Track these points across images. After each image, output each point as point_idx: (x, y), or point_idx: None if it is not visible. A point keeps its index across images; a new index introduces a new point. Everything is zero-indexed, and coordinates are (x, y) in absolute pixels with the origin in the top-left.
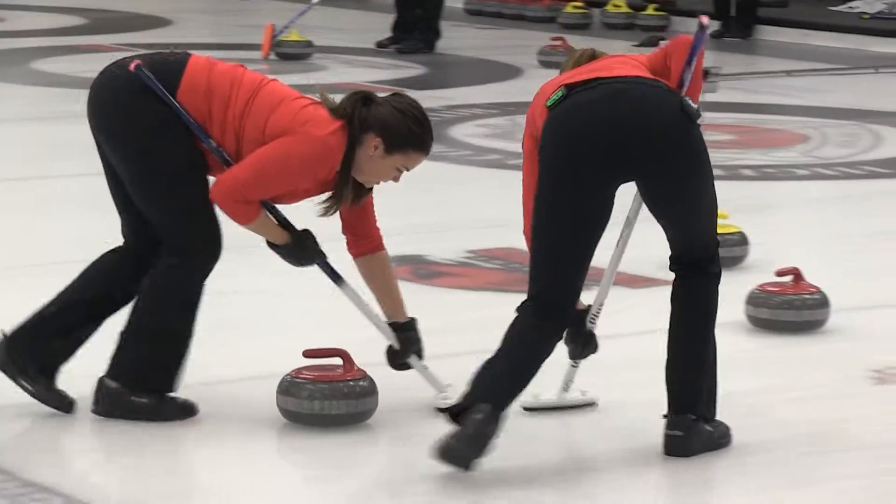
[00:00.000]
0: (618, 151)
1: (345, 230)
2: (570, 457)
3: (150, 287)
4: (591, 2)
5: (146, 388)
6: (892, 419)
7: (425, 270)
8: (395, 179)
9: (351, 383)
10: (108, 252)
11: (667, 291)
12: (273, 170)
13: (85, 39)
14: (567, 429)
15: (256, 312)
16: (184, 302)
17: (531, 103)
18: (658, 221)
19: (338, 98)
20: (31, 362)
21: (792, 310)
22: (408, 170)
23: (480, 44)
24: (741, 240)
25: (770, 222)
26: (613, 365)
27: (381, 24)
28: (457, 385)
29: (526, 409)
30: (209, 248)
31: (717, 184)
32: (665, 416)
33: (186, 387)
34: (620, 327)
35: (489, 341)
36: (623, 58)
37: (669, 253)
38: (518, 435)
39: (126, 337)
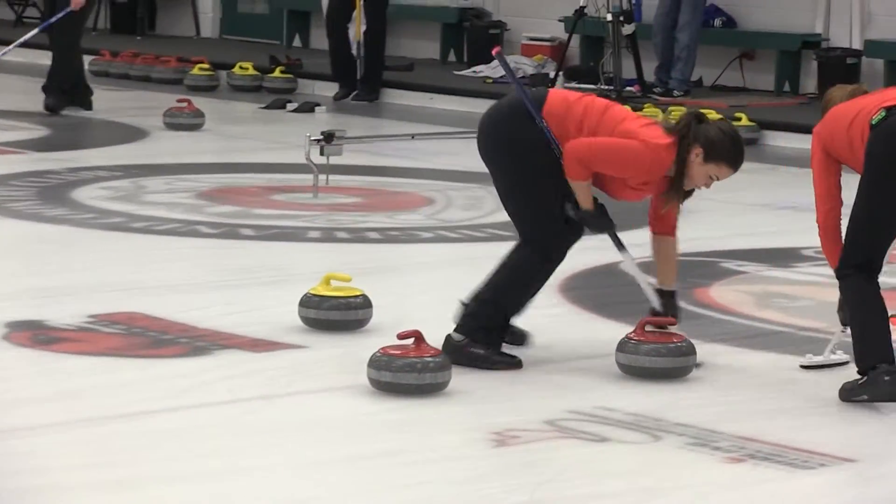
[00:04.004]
0: None
1: (651, 212)
2: None
3: (505, 266)
4: (218, 64)
5: (482, 342)
6: (510, 481)
7: (45, 336)
8: (707, 186)
9: None
10: None
11: None
12: (614, 153)
13: None
14: None
15: None
16: (527, 285)
17: (822, 127)
18: None
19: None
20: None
21: (413, 372)
22: (718, 179)
23: (105, 106)
24: (364, 303)
25: (394, 285)
26: None
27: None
28: None
29: (803, 367)
30: (559, 249)
31: (340, 247)
32: None
33: None
34: None
35: (112, 406)
36: None
37: None
38: None
39: (475, 301)
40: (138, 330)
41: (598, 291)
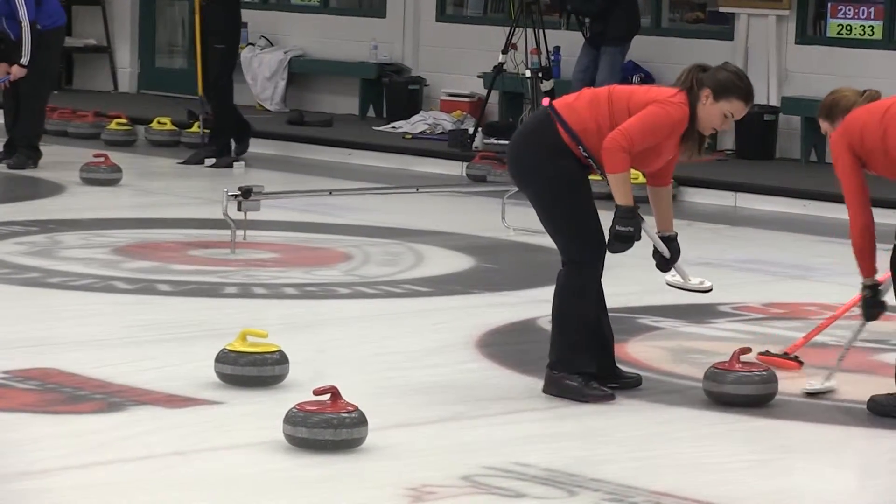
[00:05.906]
0: None
1: (649, 170)
2: None
3: (558, 288)
4: (136, 119)
5: (575, 372)
6: None
7: None
8: (725, 126)
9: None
10: None
11: None
12: (649, 124)
13: None
14: None
15: None
16: (581, 298)
17: (846, 127)
18: None
19: None
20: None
21: (329, 428)
22: (733, 117)
23: None
24: (280, 359)
25: (311, 341)
26: None
27: None
28: None
29: (808, 393)
30: (595, 254)
31: (257, 303)
32: None
33: None
34: None
35: (26, 463)
36: None
37: None
38: None
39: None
40: (53, 386)
41: (515, 348)
